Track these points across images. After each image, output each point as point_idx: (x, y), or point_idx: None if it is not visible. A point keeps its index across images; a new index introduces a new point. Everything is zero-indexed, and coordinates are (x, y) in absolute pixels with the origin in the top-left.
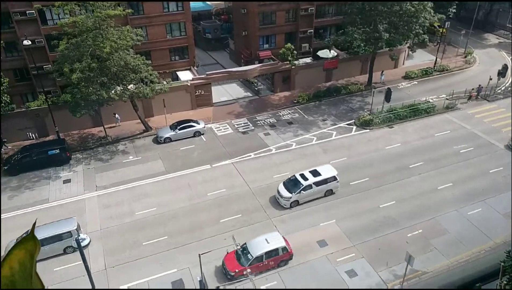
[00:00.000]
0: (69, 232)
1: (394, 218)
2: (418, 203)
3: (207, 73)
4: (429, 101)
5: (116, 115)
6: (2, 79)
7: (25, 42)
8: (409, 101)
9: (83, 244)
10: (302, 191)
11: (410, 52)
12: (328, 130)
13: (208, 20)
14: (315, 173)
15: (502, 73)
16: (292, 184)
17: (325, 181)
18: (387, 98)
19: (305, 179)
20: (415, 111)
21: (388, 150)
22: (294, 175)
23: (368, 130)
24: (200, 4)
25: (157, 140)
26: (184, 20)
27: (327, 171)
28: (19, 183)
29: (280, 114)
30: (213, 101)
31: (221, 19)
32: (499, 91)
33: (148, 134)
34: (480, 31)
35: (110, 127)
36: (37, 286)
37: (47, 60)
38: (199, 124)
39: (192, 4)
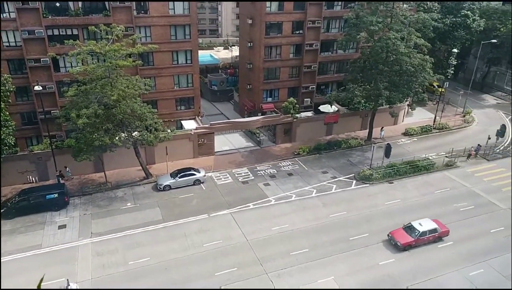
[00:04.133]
0: None
1: (394, 277)
2: (419, 261)
3: (211, 122)
4: (428, 158)
5: (67, 169)
6: (9, 122)
7: (36, 88)
8: (408, 157)
9: None
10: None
11: (410, 110)
12: (328, 183)
13: (215, 73)
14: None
15: (500, 133)
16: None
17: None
18: (387, 153)
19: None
20: (415, 168)
21: (388, 205)
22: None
23: (368, 185)
24: (208, 57)
25: (157, 188)
26: (192, 72)
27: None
28: (12, 227)
29: (281, 165)
30: (215, 150)
31: (227, 73)
32: (498, 150)
33: (148, 181)
34: (478, 92)
35: (61, 180)
36: None
37: (55, 106)
38: (199, 172)
39: (200, 57)
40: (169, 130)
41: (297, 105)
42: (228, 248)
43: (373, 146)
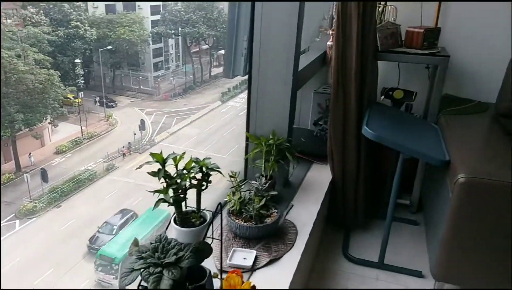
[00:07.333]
0: None
1: None
2: None
3: None
4: (88, 169)
5: None
6: None
7: None
8: (69, 175)
9: None
10: None
11: (54, 127)
12: None
13: None
14: None
15: (142, 127)
16: None
17: None
18: (44, 178)
19: None
20: (79, 182)
21: (63, 231)
22: None
23: (35, 218)
24: None
25: None
26: None
27: None
28: None
29: None
30: None
31: None
32: (145, 142)
33: None
34: (113, 95)
35: None
36: None
37: None
38: None
39: None
40: None
41: None
42: None
43: (27, 176)
